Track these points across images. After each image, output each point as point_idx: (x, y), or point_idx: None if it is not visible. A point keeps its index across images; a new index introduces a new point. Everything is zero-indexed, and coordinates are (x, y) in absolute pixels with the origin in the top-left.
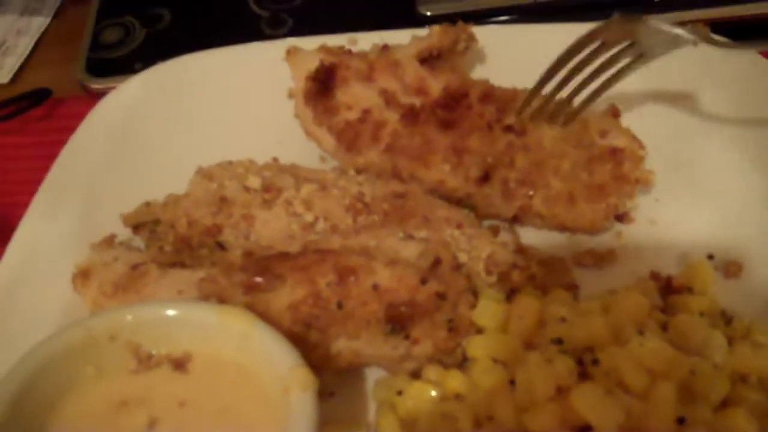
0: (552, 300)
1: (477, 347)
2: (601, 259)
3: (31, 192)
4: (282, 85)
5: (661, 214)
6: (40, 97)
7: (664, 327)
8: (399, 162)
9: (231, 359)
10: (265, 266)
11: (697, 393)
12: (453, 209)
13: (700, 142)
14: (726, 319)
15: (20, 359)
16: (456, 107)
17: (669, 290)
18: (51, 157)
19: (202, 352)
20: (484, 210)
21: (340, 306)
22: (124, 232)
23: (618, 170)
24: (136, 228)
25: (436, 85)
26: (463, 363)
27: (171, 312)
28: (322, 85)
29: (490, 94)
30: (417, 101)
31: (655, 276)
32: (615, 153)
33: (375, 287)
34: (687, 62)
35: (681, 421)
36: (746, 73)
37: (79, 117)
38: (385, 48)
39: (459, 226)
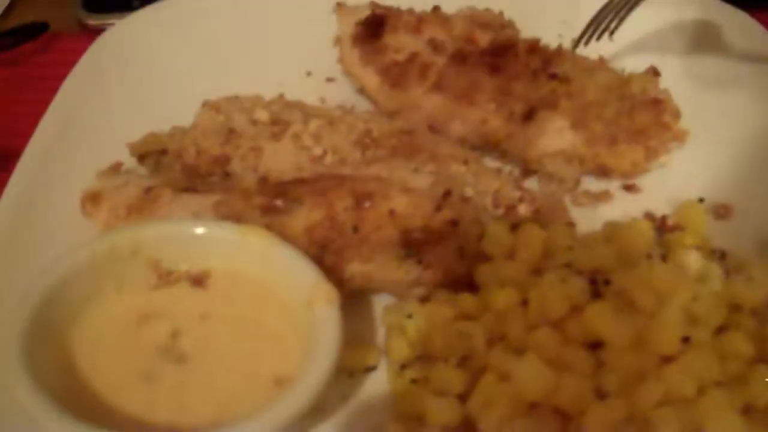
0: (555, 231)
1: (485, 274)
2: (596, 199)
3: (31, 124)
4: (288, 22)
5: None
6: (35, 30)
7: (663, 259)
8: (444, 100)
9: (251, 276)
10: (283, 190)
11: (698, 317)
12: (458, 148)
13: (691, 87)
14: (720, 254)
15: (43, 270)
16: (503, 55)
17: (664, 229)
18: (50, 90)
19: (222, 269)
20: (518, 154)
21: (355, 230)
22: (128, 163)
23: (659, 118)
24: (142, 158)
25: (485, 37)
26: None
27: (192, 229)
28: (372, 29)
29: (536, 47)
30: (465, 48)
31: (649, 216)
32: (656, 103)
33: (391, 213)
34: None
35: (686, 340)
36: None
37: (77, 53)
38: (437, 8)
39: (465, 163)
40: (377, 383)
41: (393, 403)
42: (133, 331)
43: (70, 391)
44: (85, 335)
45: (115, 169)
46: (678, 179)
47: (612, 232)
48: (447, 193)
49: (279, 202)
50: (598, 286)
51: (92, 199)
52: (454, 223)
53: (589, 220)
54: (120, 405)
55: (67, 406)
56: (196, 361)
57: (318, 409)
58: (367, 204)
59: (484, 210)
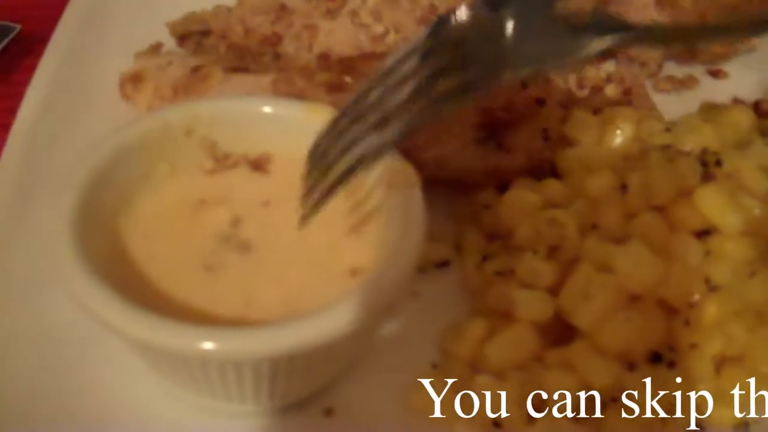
0: (645, 114)
1: (571, 159)
2: (681, 84)
3: (60, 5)
4: None
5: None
6: None
7: None
8: None
9: None
10: (350, 65)
11: None
12: None
13: None
14: None
15: (92, 147)
16: None
17: (759, 114)
18: None
19: (284, 152)
20: None
21: None
22: (167, 45)
23: None
24: (182, 39)
25: None
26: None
27: (251, 108)
28: None
29: None
30: None
31: (738, 102)
32: None
33: None
34: None
35: None
36: None
37: None
38: None
39: None
40: (449, 280)
41: (472, 298)
42: (190, 217)
43: (125, 281)
44: (138, 221)
45: (156, 49)
46: (766, 63)
47: (711, 114)
48: None
49: (347, 79)
50: (708, 167)
51: (133, 80)
52: (539, 101)
53: (672, 107)
54: (181, 296)
55: (125, 296)
56: (261, 250)
57: (389, 307)
58: None
59: (568, 91)
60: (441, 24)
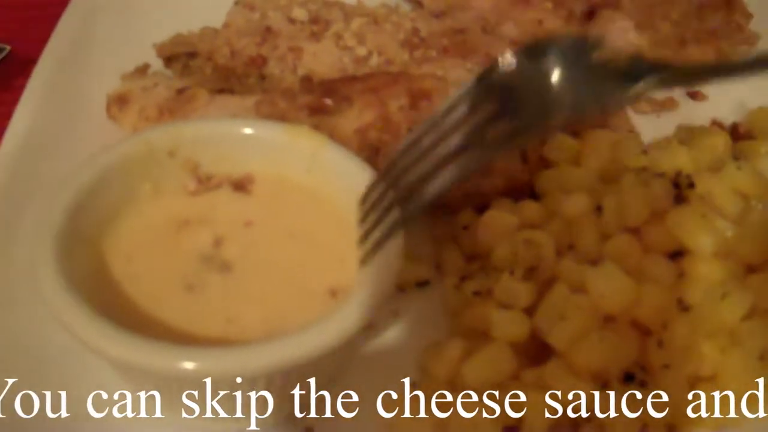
0: (623, 137)
1: (549, 181)
2: (660, 106)
3: (49, 27)
4: None
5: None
6: None
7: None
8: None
9: (298, 182)
10: (332, 88)
11: None
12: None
13: None
14: None
15: (74, 172)
16: None
17: (736, 136)
18: None
19: (266, 173)
20: None
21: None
22: (155, 67)
23: (730, 18)
24: (169, 60)
25: None
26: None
27: (234, 130)
28: None
29: None
30: None
31: (717, 124)
32: (727, 2)
33: None
34: None
35: None
36: None
37: None
38: None
39: None
40: (430, 299)
41: (451, 318)
42: (172, 237)
43: (107, 301)
44: (121, 241)
45: (142, 71)
46: (745, 86)
47: (687, 136)
48: None
49: (328, 101)
50: (681, 189)
51: (119, 101)
52: None
53: (651, 129)
54: (161, 316)
55: (105, 315)
56: (242, 270)
57: (368, 326)
58: (424, 103)
59: None
60: (487, 72)
